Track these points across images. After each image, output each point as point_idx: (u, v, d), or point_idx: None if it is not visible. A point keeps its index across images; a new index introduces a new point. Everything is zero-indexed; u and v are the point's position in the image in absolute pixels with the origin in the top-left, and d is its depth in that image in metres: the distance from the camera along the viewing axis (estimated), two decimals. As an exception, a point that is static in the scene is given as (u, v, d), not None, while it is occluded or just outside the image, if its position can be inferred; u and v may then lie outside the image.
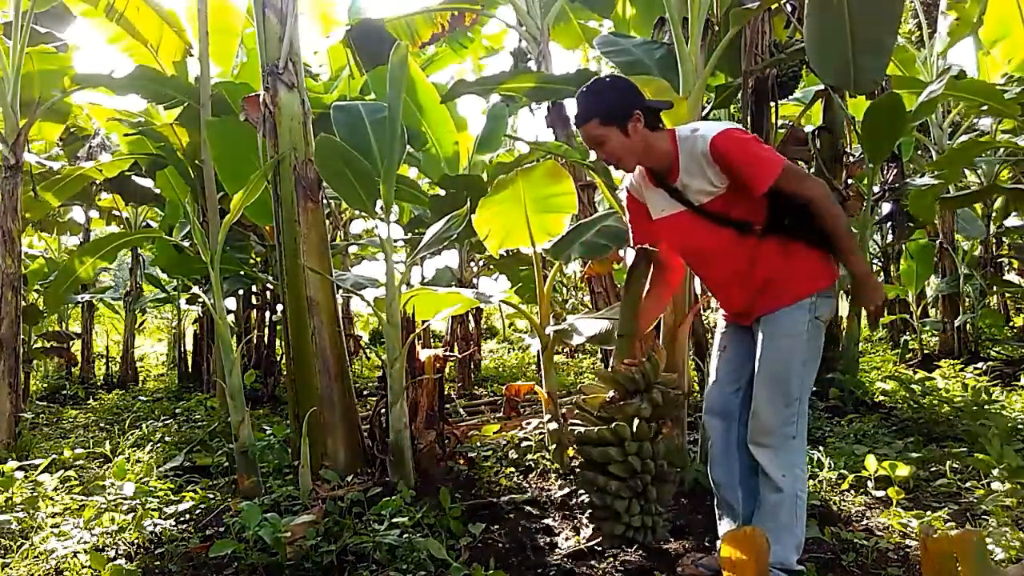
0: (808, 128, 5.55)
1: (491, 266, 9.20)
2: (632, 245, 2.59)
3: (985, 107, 5.89)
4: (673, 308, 3.46)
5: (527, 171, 4.11)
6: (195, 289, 6.48)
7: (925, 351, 8.39)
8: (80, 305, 10.35)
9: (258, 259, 7.53)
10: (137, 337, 11.84)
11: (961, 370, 5.94)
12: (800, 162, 5.59)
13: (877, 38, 3.25)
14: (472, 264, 8.79)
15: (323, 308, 3.91)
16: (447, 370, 6.04)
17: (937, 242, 8.44)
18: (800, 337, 2.29)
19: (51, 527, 2.98)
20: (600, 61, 7.80)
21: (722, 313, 2.62)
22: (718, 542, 2.58)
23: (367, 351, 10.70)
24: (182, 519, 3.27)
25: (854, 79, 3.32)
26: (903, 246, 8.46)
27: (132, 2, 6.41)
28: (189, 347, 9.97)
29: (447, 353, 4.24)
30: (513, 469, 3.95)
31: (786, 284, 2.30)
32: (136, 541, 2.97)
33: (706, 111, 5.00)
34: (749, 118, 4.92)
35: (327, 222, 4.38)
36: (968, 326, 8.01)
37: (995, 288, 8.76)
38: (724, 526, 2.53)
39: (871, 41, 3.23)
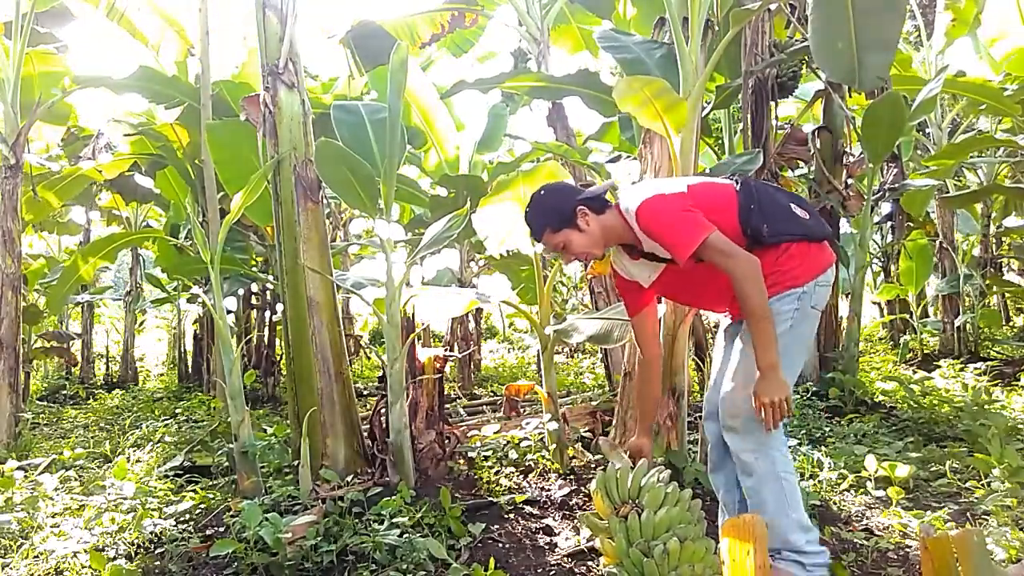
0: (808, 127, 5.55)
1: (491, 266, 9.19)
2: (630, 316, 2.69)
3: (984, 106, 5.89)
4: (674, 308, 3.46)
5: (529, 172, 4.11)
6: (195, 289, 6.47)
7: (925, 351, 8.39)
8: (80, 305, 10.35)
9: (258, 259, 7.53)
10: (137, 337, 11.84)
11: (961, 370, 5.94)
12: (800, 162, 5.59)
13: (881, 34, 3.25)
14: (472, 264, 8.79)
15: (323, 308, 3.91)
16: (447, 370, 6.04)
17: (937, 242, 8.44)
18: (783, 324, 2.26)
19: (51, 527, 2.98)
20: (598, 54, 7.74)
21: (725, 317, 2.64)
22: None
23: (367, 351, 10.69)
24: (182, 519, 3.27)
25: (859, 76, 3.32)
26: (903, 246, 8.47)
27: (133, 2, 6.41)
28: (189, 347, 9.97)
29: (447, 353, 4.25)
30: (513, 469, 3.95)
31: (781, 279, 2.29)
32: (136, 541, 2.97)
33: (706, 111, 5.01)
34: (749, 118, 4.93)
35: (327, 222, 4.38)
36: (968, 326, 8.01)
37: (995, 288, 8.76)
38: None
39: (875, 37, 3.23)
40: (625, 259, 2.55)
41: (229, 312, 7.96)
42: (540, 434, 4.15)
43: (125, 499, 3.17)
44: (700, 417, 3.53)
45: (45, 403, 7.96)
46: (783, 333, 2.26)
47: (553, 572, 2.67)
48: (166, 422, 5.87)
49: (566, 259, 2.50)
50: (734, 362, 2.36)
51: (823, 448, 3.87)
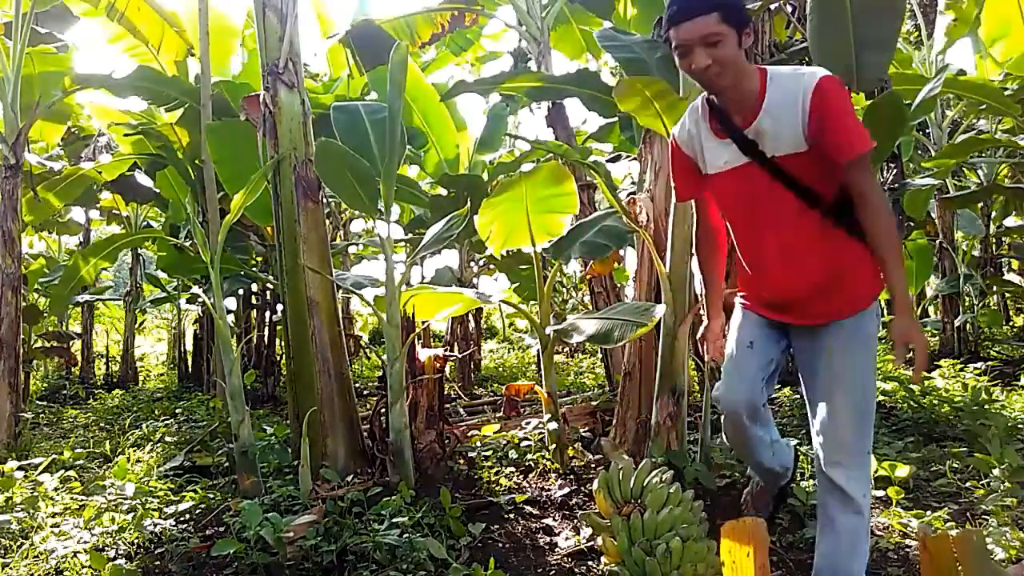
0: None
1: (491, 266, 9.20)
2: (679, 200, 2.48)
3: (984, 106, 5.88)
4: (673, 308, 3.46)
5: (530, 173, 4.12)
6: (195, 289, 6.47)
7: (925, 351, 8.37)
8: (80, 305, 10.35)
9: (258, 259, 7.53)
10: (137, 337, 11.84)
11: (961, 370, 5.94)
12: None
13: (879, 34, 3.24)
14: (472, 264, 8.79)
15: (323, 308, 3.91)
16: (447, 370, 6.05)
17: (937, 242, 8.45)
18: (875, 342, 2.16)
19: (51, 527, 2.98)
20: (600, 55, 7.74)
21: (743, 304, 2.40)
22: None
23: (367, 351, 10.69)
24: (182, 519, 3.27)
25: (857, 76, 3.31)
26: (903, 246, 8.46)
27: (133, 2, 6.41)
28: (189, 347, 9.97)
29: (447, 353, 4.25)
30: (513, 469, 3.95)
31: (859, 283, 2.11)
32: (136, 541, 2.97)
33: (706, 111, 5.00)
34: (749, 118, 4.92)
35: (327, 222, 4.38)
36: (968, 326, 8.01)
37: (995, 288, 8.76)
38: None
39: (874, 37, 3.23)
40: (705, 129, 2.16)
41: (229, 312, 7.97)
42: (540, 434, 4.15)
43: (125, 499, 3.17)
44: (700, 417, 3.53)
45: (45, 403, 7.95)
46: (874, 353, 2.16)
47: (553, 572, 2.67)
48: (166, 422, 5.87)
49: (695, 62, 1.95)
50: (838, 387, 2.11)
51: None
